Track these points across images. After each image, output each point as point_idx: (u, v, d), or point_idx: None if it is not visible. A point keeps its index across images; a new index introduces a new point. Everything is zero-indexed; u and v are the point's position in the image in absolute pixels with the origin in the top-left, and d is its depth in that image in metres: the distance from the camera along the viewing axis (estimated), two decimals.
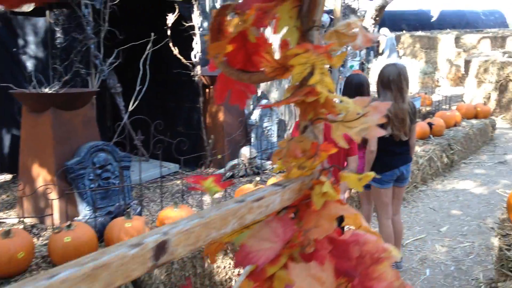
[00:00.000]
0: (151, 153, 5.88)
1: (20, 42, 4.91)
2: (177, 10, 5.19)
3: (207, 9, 7.29)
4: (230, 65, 1.08)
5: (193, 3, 5.36)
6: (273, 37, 1.08)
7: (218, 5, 7.77)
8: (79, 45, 4.47)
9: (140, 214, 4.51)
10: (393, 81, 3.31)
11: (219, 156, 5.39)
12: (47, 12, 4.63)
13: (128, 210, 3.24)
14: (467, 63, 10.76)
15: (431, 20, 18.10)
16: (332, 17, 7.15)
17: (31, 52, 4.90)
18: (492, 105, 9.79)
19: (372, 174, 1.03)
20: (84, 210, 4.35)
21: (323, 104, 1.00)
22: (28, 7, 4.69)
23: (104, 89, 5.78)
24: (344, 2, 9.48)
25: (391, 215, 3.53)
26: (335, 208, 1.00)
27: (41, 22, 4.75)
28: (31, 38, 4.86)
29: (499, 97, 9.86)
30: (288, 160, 1.05)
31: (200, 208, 4.51)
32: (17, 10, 4.79)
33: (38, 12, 4.69)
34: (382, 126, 2.89)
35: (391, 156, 3.41)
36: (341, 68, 6.73)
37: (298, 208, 1.03)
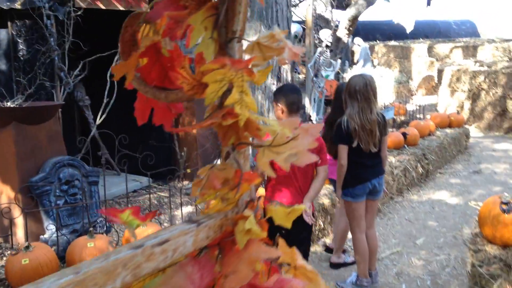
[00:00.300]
0: (120, 167, 5.72)
1: None
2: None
3: None
4: (144, 82, 0.93)
5: None
6: None
7: None
8: (43, 57, 4.30)
9: (108, 231, 4.34)
10: (360, 92, 3.26)
11: (188, 171, 5.26)
12: (9, 23, 4.45)
13: (91, 229, 3.08)
14: (440, 72, 10.89)
15: (407, 32, 18.35)
16: (304, 27, 7.12)
17: None
18: (465, 114, 9.90)
19: (302, 207, 0.92)
20: (50, 228, 4.17)
21: (245, 127, 0.87)
22: None
23: (72, 102, 5.61)
24: (315, 13, 9.51)
25: (365, 229, 3.46)
26: (257, 250, 0.84)
27: (3, 34, 4.57)
28: None
29: (472, 106, 9.99)
30: (207, 192, 0.90)
31: (171, 224, 4.36)
32: None
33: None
34: (349, 137, 2.72)
35: (362, 168, 3.34)
36: (314, 78, 6.69)
37: (221, 247, 0.88)
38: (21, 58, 4.45)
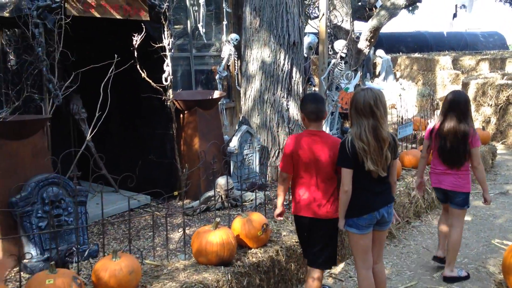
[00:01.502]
0: (118, 183, 5.42)
1: None
2: (144, 30, 4.78)
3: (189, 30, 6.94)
4: None
5: (163, 23, 4.96)
6: None
7: (201, 28, 7.40)
8: (31, 68, 4.04)
9: (95, 255, 4.02)
10: (369, 107, 2.87)
11: (176, 193, 4.92)
12: None
13: (52, 263, 2.71)
14: (465, 85, 10.35)
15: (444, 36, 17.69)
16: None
17: None
18: (491, 130, 9.33)
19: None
20: (32, 252, 3.86)
21: None
22: None
23: (68, 115, 5.36)
24: (330, 23, 9.13)
25: (371, 264, 3.04)
26: None
27: None
28: None
29: (498, 121, 9.41)
30: None
31: (165, 249, 4.01)
32: None
33: None
34: (354, 160, 2.34)
35: (369, 196, 2.95)
36: (328, 91, 6.30)
37: None
38: (10, 69, 4.21)
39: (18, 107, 4.18)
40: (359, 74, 11.77)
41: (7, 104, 4.26)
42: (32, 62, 4.06)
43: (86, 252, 3.78)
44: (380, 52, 15.08)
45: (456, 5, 12.73)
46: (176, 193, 4.95)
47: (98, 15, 4.53)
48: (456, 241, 3.83)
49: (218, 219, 3.42)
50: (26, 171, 3.88)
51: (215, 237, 3.21)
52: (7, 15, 4.05)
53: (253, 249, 3.57)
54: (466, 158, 3.79)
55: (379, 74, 15.11)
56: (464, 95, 3.94)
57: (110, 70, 4.46)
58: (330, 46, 6.81)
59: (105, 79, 4.41)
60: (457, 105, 3.79)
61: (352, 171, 2.91)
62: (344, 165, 2.94)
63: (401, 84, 14.00)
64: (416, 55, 15.96)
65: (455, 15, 18.42)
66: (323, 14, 6.15)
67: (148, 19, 4.94)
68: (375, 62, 16.30)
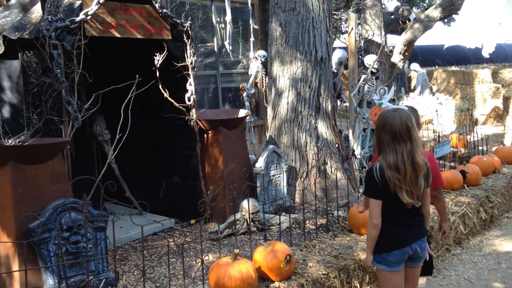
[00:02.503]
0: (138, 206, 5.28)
1: None
2: (166, 49, 4.67)
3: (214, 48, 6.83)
4: None
5: (185, 41, 4.84)
6: None
7: (227, 45, 7.28)
8: (50, 90, 3.97)
9: (114, 284, 3.86)
10: (408, 131, 2.58)
11: (193, 221, 4.72)
12: (20, 55, 4.18)
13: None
14: (506, 99, 9.82)
15: (485, 57, 17.05)
16: None
17: (5, 98, 4.45)
18: None
19: None
20: (49, 280, 3.74)
21: None
22: (0, 49, 4.26)
23: (91, 137, 5.28)
24: (360, 37, 8.88)
25: None
26: None
27: (14, 66, 4.31)
28: (5, 83, 4.42)
29: None
30: None
31: (186, 275, 3.80)
32: None
33: (11, 54, 4.26)
34: (385, 189, 2.18)
35: (401, 229, 2.67)
36: (358, 109, 6.02)
37: None
38: (31, 91, 4.16)
39: (39, 129, 4.12)
40: (393, 88, 11.42)
41: (29, 127, 4.20)
42: (51, 84, 3.98)
43: (102, 283, 3.62)
44: (415, 65, 14.65)
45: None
46: (193, 221, 4.76)
47: (118, 35, 4.44)
48: None
49: (237, 251, 3.20)
50: (45, 196, 3.77)
51: (234, 271, 2.99)
52: (26, 36, 4.02)
53: (276, 283, 3.32)
54: None
55: (415, 88, 14.66)
56: None
57: (131, 91, 4.35)
58: (360, 62, 6.55)
59: (126, 100, 4.30)
60: None
61: (381, 202, 2.64)
62: (373, 196, 2.67)
63: (437, 99, 13.50)
64: (453, 68, 15.42)
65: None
66: (352, 29, 5.91)
67: (170, 38, 4.84)
68: (410, 76, 15.86)
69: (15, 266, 3.53)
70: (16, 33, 4.06)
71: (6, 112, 4.43)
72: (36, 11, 4.29)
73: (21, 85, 4.32)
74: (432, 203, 3.21)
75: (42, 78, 4.01)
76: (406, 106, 3.37)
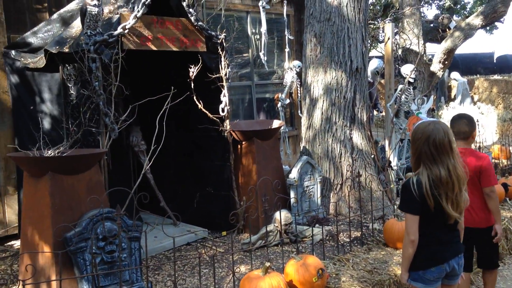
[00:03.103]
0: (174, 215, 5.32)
1: (37, 99, 4.65)
2: (200, 61, 4.72)
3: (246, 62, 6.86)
4: None
5: (220, 53, 4.88)
6: None
7: (262, 56, 7.30)
8: (88, 102, 4.08)
9: None
10: (449, 143, 2.55)
11: (224, 233, 4.70)
12: (60, 68, 4.32)
13: None
14: None
15: None
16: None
17: (46, 110, 4.60)
18: None
19: None
20: None
21: None
22: (41, 63, 4.43)
23: (128, 147, 5.39)
24: (397, 47, 8.73)
25: None
26: None
27: (55, 79, 4.46)
28: (46, 95, 4.58)
29: None
30: None
31: (217, 286, 3.79)
32: (32, 66, 4.55)
33: (51, 67, 4.41)
34: (423, 204, 2.52)
35: (438, 245, 2.58)
36: (395, 119, 5.90)
37: None
38: (70, 103, 4.29)
39: (78, 140, 4.23)
40: (432, 98, 11.16)
41: (68, 138, 4.33)
42: (89, 96, 4.09)
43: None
44: (455, 74, 14.27)
45: None
46: (224, 233, 4.76)
47: (154, 48, 4.53)
48: None
49: (268, 264, 3.18)
50: (82, 206, 3.86)
51: (265, 285, 2.97)
52: (67, 50, 4.15)
53: None
54: None
55: (455, 98, 14.27)
56: None
57: (166, 102, 4.41)
58: (397, 72, 6.44)
59: (161, 111, 4.37)
60: None
61: (418, 217, 2.57)
62: (411, 211, 2.59)
63: (479, 108, 13.09)
64: (496, 77, 14.93)
65: None
66: (389, 39, 5.82)
67: (205, 50, 4.89)
68: (450, 85, 15.46)
69: (53, 275, 3.62)
70: (57, 47, 4.20)
71: (46, 123, 4.58)
72: (76, 26, 4.44)
73: (61, 97, 4.47)
74: (485, 202, 3.44)
75: (81, 91, 4.12)
76: (463, 115, 3.44)
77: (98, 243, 3.83)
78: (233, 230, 4.24)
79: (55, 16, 4.88)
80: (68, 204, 3.81)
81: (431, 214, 2.55)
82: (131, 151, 5.34)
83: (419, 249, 2.59)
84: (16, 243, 5.10)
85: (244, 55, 7.99)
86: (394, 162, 6.04)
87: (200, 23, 4.80)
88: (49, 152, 3.85)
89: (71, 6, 4.85)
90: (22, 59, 4.70)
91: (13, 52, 4.79)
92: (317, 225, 5.01)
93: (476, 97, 14.47)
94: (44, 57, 4.30)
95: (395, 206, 5.60)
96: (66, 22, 4.73)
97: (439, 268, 2.57)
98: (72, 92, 4.28)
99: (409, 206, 2.60)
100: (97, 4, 3.96)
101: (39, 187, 3.76)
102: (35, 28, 4.85)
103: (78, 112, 4.26)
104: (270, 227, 4.90)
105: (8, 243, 5.17)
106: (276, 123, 5.64)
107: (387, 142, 6.15)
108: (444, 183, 2.51)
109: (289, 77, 7.30)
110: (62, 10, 4.88)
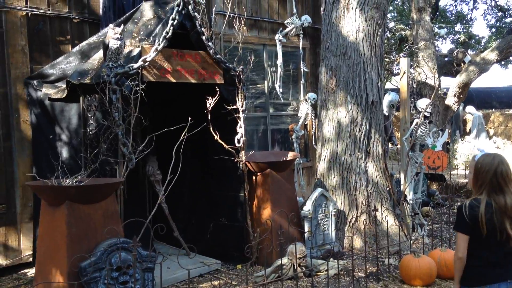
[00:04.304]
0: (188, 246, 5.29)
1: (56, 128, 4.74)
2: (218, 93, 4.80)
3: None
4: None
5: (237, 85, 4.95)
6: None
7: (278, 88, 7.38)
8: (107, 132, 4.15)
9: None
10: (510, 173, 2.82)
11: (239, 267, 4.66)
12: (81, 98, 4.42)
13: None
14: None
15: None
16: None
17: (66, 139, 4.68)
18: None
19: None
20: None
21: None
22: (63, 94, 4.53)
23: (144, 177, 5.42)
24: (413, 81, 8.76)
25: None
26: None
27: (74, 109, 4.55)
28: (66, 124, 4.66)
29: None
30: None
31: None
32: (53, 96, 4.66)
33: (72, 98, 4.51)
34: (474, 225, 2.43)
35: (485, 266, 2.79)
36: (410, 153, 5.87)
37: None
38: (89, 133, 4.36)
39: (95, 170, 4.28)
40: (447, 132, 11.10)
41: (85, 167, 4.38)
42: (109, 126, 4.16)
43: None
44: (470, 108, 14.23)
45: None
46: (239, 266, 4.72)
47: (173, 80, 4.62)
48: None
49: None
50: (97, 235, 3.87)
51: None
52: (88, 81, 4.25)
53: None
54: None
55: (470, 132, 14.18)
56: None
57: (183, 133, 4.47)
58: (412, 105, 6.45)
59: (178, 142, 4.42)
60: None
61: (468, 237, 2.79)
62: (460, 230, 2.82)
63: (495, 142, 12.98)
64: (511, 111, 14.85)
65: None
66: (404, 73, 5.86)
67: (223, 82, 4.97)
68: (465, 119, 15.40)
69: None
70: (79, 78, 4.31)
71: (65, 152, 4.66)
72: (98, 58, 4.55)
73: (80, 127, 4.55)
74: None
75: (101, 121, 4.20)
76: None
77: (112, 274, 3.83)
78: (246, 264, 4.19)
79: (76, 48, 5.02)
80: (84, 234, 3.82)
81: (480, 235, 2.74)
82: (146, 180, 5.37)
83: (469, 268, 2.80)
84: (30, 271, 5.10)
85: (260, 86, 8.08)
86: (409, 196, 5.98)
87: (218, 56, 4.89)
88: (67, 181, 3.90)
89: (92, 39, 4.99)
90: (44, 89, 4.82)
91: (35, 82, 4.92)
92: (331, 259, 4.95)
93: (491, 131, 14.37)
94: (66, 88, 4.40)
95: (411, 242, 5.52)
96: (87, 54, 4.86)
97: None
98: (91, 122, 4.36)
99: (460, 226, 2.82)
100: (119, 37, 4.07)
101: (56, 215, 3.79)
102: (57, 60, 5.00)
103: (96, 142, 4.33)
104: (284, 260, 4.84)
105: (22, 271, 5.18)
106: (291, 155, 5.65)
107: (402, 176, 6.10)
108: (509, 209, 2.73)
109: (304, 108, 7.34)
110: (83, 43, 5.02)
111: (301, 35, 7.51)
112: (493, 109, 16.06)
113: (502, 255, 2.78)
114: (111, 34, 4.13)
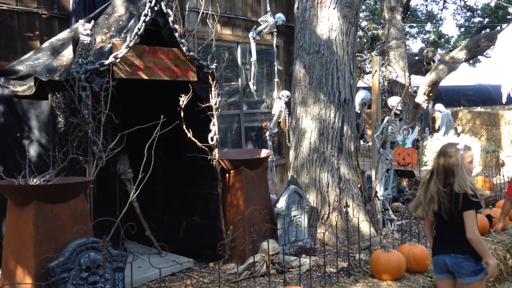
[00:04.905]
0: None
1: (24, 126, 4.61)
2: (191, 90, 4.76)
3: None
4: None
5: (211, 83, 4.93)
6: None
7: (252, 85, 7.39)
8: (77, 130, 4.07)
9: None
10: None
11: (211, 265, 4.66)
12: (49, 96, 4.32)
13: None
14: None
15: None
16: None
17: (33, 137, 4.57)
18: None
19: None
20: None
21: None
22: (31, 91, 4.42)
23: (114, 175, 5.35)
24: (384, 79, 8.90)
25: None
26: None
27: (43, 106, 4.45)
28: (34, 122, 4.55)
29: None
30: None
31: None
32: (21, 93, 4.54)
33: (41, 95, 4.40)
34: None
35: (435, 240, 3.41)
36: (381, 150, 5.96)
37: None
38: (58, 131, 4.27)
39: (64, 168, 4.20)
40: (417, 129, 11.31)
41: (54, 166, 4.29)
42: (78, 124, 4.08)
43: None
44: (439, 106, 14.55)
45: None
46: (212, 264, 4.71)
47: (145, 77, 4.56)
48: None
49: None
50: (66, 235, 3.80)
51: None
52: (57, 78, 4.16)
53: None
54: None
55: (439, 129, 14.50)
56: None
57: (156, 131, 4.42)
58: (383, 103, 6.55)
59: (150, 140, 4.37)
60: None
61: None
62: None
63: (462, 140, 13.31)
64: (479, 109, 15.24)
65: None
66: (376, 71, 5.95)
67: (196, 79, 4.94)
68: (434, 117, 15.73)
69: None
70: (47, 75, 4.21)
71: (33, 151, 4.54)
72: (67, 54, 4.46)
73: (48, 125, 4.44)
74: None
75: (70, 119, 4.11)
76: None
77: (81, 274, 3.76)
78: (219, 262, 4.18)
79: (46, 44, 4.89)
80: (52, 234, 3.74)
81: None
82: (117, 179, 5.30)
83: None
84: None
85: (233, 83, 8.07)
86: (380, 192, 6.08)
87: (191, 53, 4.86)
88: (35, 180, 3.82)
89: (62, 35, 4.88)
90: (10, 86, 4.69)
91: (2, 79, 4.78)
92: (304, 255, 4.99)
93: (459, 129, 14.72)
94: (34, 85, 4.30)
95: (381, 237, 5.62)
96: (56, 50, 4.75)
97: (433, 259, 3.35)
98: (60, 120, 4.27)
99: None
100: (89, 33, 4.00)
101: (23, 216, 3.70)
102: (25, 56, 4.86)
103: (65, 140, 4.24)
104: (257, 257, 4.85)
105: None
106: (264, 152, 5.67)
107: (373, 172, 6.20)
108: None
109: (278, 106, 7.37)
110: (53, 39, 4.90)
111: (275, 33, 7.53)
112: (461, 107, 16.46)
113: (449, 231, 3.25)
114: (81, 29, 4.04)
